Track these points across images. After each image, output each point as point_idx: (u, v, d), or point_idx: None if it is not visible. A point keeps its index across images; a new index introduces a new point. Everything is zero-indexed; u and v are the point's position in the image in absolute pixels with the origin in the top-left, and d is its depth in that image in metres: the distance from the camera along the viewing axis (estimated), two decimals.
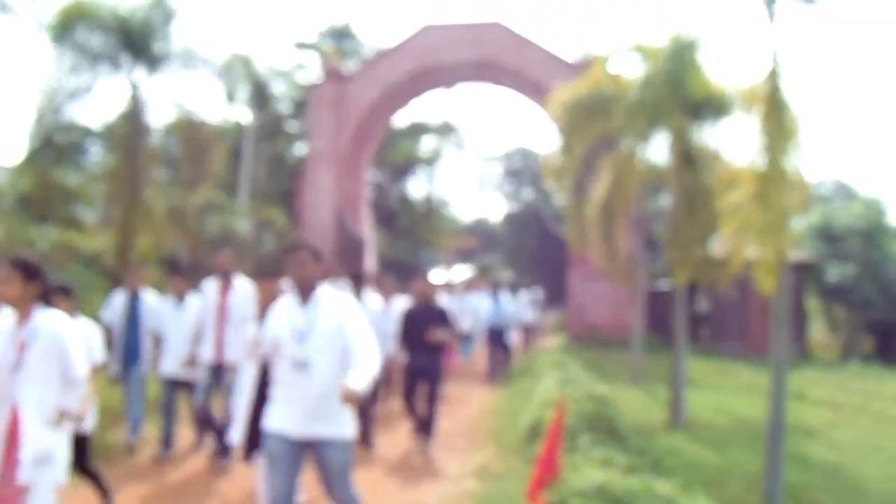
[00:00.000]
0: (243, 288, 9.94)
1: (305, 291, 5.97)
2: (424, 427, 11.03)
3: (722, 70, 14.93)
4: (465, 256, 75.89)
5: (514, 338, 20.21)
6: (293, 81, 33.65)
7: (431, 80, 28.49)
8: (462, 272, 29.18)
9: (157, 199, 16.04)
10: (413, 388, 10.97)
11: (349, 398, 5.21)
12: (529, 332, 24.68)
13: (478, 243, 61.11)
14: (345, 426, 5.83)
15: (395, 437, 11.98)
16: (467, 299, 20.57)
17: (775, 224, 9.44)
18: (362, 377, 5.42)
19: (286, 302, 6.07)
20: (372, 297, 12.54)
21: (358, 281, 12.04)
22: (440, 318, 11.02)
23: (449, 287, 21.84)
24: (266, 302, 7.33)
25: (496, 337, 18.73)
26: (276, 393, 5.98)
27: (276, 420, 5.86)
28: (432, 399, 10.94)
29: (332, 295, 6.00)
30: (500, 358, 18.87)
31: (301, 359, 5.76)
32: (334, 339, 5.78)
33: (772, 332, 10.38)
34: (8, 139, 73.51)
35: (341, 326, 5.80)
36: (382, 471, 10.05)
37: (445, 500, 8.81)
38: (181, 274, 10.73)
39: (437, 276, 26.67)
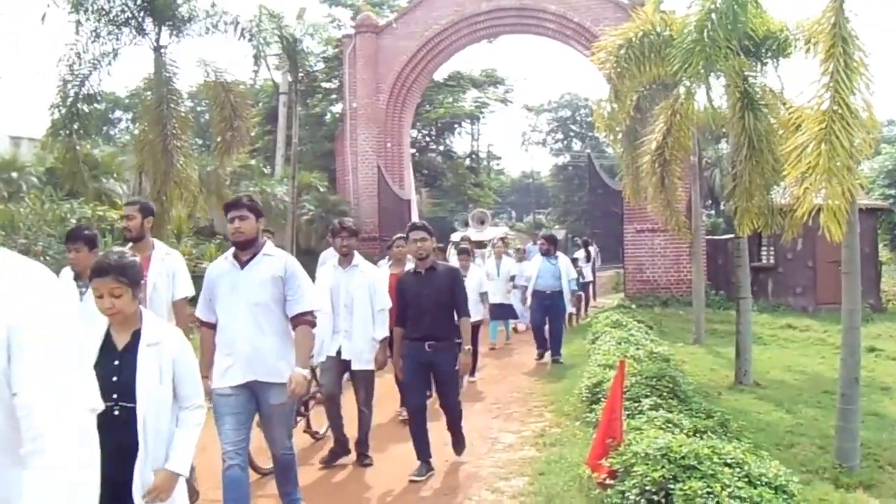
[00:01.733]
0: (170, 259, 7.48)
1: None
2: (453, 440, 8.81)
3: (783, 4, 14.38)
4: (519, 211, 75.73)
5: (567, 307, 16.73)
6: (326, 37, 33.10)
7: (472, 31, 27.80)
8: (494, 230, 27.60)
9: (189, 167, 15.69)
10: (417, 392, 8.47)
11: None
12: (586, 291, 24.23)
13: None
14: None
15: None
16: (507, 262, 18.22)
17: (843, 167, 8.89)
18: None
19: None
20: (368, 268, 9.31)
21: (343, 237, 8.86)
22: (446, 287, 8.30)
23: (474, 246, 19.51)
24: None
25: (545, 307, 15.62)
26: None
27: None
28: (450, 409, 8.59)
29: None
30: (552, 333, 15.69)
31: None
32: None
33: (843, 283, 9.87)
34: (33, 111, 74.41)
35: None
36: (439, 438, 9.70)
37: (503, 468, 8.59)
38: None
39: (465, 233, 25.23)
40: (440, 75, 39.28)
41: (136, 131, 23.72)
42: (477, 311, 13.17)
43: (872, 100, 9.20)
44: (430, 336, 8.20)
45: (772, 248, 24.99)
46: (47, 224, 14.16)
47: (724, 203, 15.77)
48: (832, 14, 9.13)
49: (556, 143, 78.63)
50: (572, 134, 77.10)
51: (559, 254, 16.36)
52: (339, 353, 8.66)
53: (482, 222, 26.68)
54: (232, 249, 6.53)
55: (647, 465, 6.09)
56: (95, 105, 15.85)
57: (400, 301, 8.45)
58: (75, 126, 15.20)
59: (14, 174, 19.56)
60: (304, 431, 9.57)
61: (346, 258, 8.83)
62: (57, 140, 15.47)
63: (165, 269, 7.36)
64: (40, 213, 14.25)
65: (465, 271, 13.14)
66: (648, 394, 9.17)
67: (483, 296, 14.17)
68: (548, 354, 15.67)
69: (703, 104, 13.92)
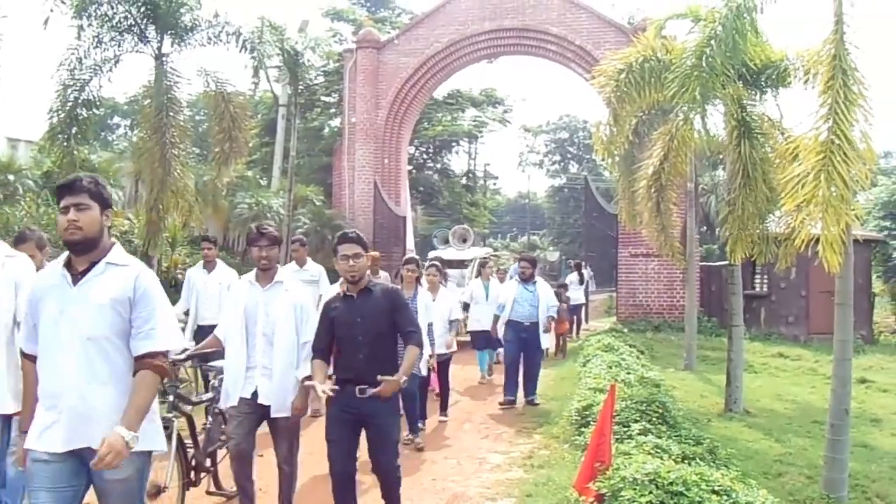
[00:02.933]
0: (13, 264, 5.79)
1: None
2: None
3: (782, 34, 14.43)
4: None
5: (546, 339, 14.41)
6: (327, 51, 33.14)
7: (473, 50, 27.82)
8: (477, 250, 25.45)
9: (186, 176, 15.69)
10: (342, 452, 6.45)
11: None
12: (579, 314, 24.24)
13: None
14: None
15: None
16: (496, 284, 16.17)
17: (840, 198, 8.90)
18: None
19: None
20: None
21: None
22: (385, 314, 6.46)
23: (454, 266, 18.58)
24: None
25: (522, 341, 13.51)
26: None
27: None
28: (385, 475, 6.63)
29: None
30: (527, 370, 13.67)
31: None
32: None
33: (836, 314, 9.86)
34: (31, 114, 74.52)
35: None
36: (427, 457, 9.70)
37: (490, 489, 8.58)
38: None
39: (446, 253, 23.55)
40: (440, 93, 39.33)
41: (135, 138, 23.73)
42: (445, 342, 11.70)
43: (870, 131, 9.23)
44: (364, 378, 6.23)
45: (765, 277, 25.00)
46: (42, 228, 14.13)
47: (719, 230, 15.78)
48: (832, 46, 9.14)
49: (553, 164, 78.89)
50: (569, 156, 77.36)
51: (538, 279, 14.18)
52: (255, 395, 6.73)
53: (464, 240, 24.92)
54: (66, 254, 4.54)
55: (634, 490, 6.05)
56: (95, 110, 15.81)
57: (325, 332, 6.50)
58: (74, 131, 15.20)
59: (11, 177, 19.57)
60: (209, 493, 7.56)
61: (265, 273, 6.89)
62: (55, 144, 15.45)
63: (5, 277, 5.57)
64: (35, 216, 14.24)
65: (434, 292, 11.58)
66: (638, 418, 9.12)
67: (453, 324, 12.00)
68: (520, 395, 13.59)
69: (699, 131, 13.96)
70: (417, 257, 11.91)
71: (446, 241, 25.46)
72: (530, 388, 13.58)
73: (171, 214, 15.73)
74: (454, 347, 12.25)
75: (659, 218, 16.23)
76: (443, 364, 11.82)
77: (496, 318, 13.87)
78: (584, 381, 12.25)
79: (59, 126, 15.10)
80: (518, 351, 13.49)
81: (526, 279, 13.74)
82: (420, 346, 6.62)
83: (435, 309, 11.09)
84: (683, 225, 19.90)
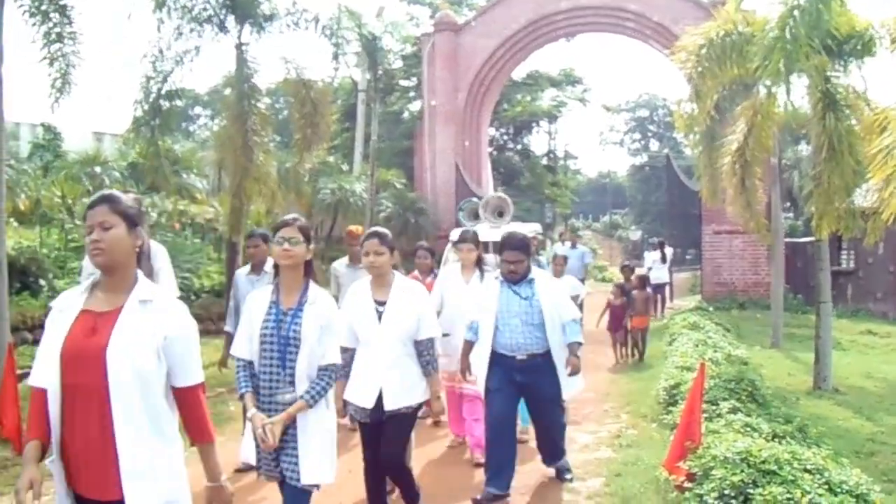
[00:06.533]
0: None
1: None
2: None
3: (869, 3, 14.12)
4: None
5: (577, 385, 7.80)
6: (405, 36, 33.17)
7: (551, 30, 27.69)
8: (518, 228, 17.76)
9: (268, 164, 15.83)
10: None
11: None
12: (662, 292, 24.01)
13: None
14: None
15: None
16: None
17: None
18: None
19: None
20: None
21: None
22: None
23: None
24: None
25: (517, 388, 7.42)
26: None
27: None
28: None
29: None
30: (542, 432, 8.03)
31: None
32: None
33: None
34: (116, 108, 76.18)
35: None
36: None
37: (579, 469, 8.50)
38: None
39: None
40: (518, 74, 39.21)
41: (216, 127, 24.08)
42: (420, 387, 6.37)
43: None
44: None
45: (852, 252, 24.54)
46: None
47: (804, 205, 15.43)
48: None
49: (634, 143, 78.40)
50: (650, 134, 76.79)
51: (537, 274, 7.63)
52: None
53: (500, 213, 18.75)
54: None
55: (726, 468, 6.04)
56: (177, 101, 16.01)
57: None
58: (157, 122, 15.39)
59: (97, 169, 20.09)
60: None
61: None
62: (139, 136, 15.69)
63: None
64: None
65: (388, 292, 6.31)
66: (727, 397, 9.05)
67: (424, 348, 6.39)
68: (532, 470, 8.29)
69: (783, 104, 13.72)
70: (474, 231, 9.00)
71: (476, 216, 19.62)
72: (553, 452, 8.10)
73: (255, 201, 15.89)
74: (434, 392, 6.48)
75: (744, 194, 15.97)
76: (398, 427, 6.30)
77: (467, 345, 7.69)
78: (671, 360, 12.19)
79: (142, 118, 15.31)
80: (509, 406, 7.52)
81: (517, 279, 7.46)
82: None
83: (396, 320, 6.25)
84: (768, 201, 19.63)
